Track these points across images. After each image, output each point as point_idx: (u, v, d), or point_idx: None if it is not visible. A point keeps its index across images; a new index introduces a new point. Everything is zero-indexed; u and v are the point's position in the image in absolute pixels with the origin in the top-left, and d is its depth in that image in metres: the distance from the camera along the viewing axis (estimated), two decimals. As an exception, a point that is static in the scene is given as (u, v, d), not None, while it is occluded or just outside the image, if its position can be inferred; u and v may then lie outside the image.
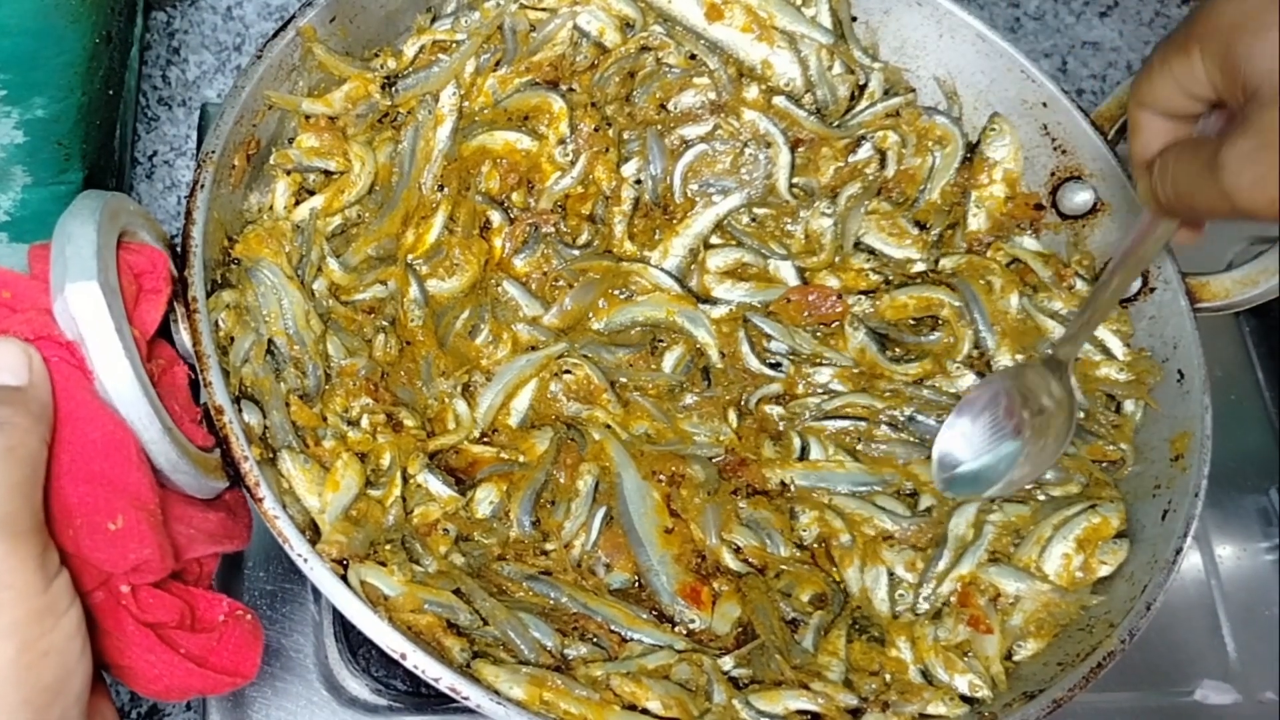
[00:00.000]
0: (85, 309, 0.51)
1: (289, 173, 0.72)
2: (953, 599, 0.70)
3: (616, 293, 0.82)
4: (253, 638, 0.57)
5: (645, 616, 0.67)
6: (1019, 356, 0.80)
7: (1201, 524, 0.92)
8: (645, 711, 0.60)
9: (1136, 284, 0.79)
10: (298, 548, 0.58)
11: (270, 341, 0.66)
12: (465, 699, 0.56)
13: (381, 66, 0.77)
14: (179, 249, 0.62)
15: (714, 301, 0.82)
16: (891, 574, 0.73)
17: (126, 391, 0.52)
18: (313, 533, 0.61)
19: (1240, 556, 0.94)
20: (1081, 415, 0.77)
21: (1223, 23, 0.60)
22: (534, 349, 0.77)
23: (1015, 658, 0.69)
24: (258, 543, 0.77)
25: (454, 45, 0.79)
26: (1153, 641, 0.91)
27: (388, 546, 0.64)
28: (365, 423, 0.68)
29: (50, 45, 0.65)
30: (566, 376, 0.78)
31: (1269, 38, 0.57)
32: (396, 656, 0.56)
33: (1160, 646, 0.92)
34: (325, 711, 0.75)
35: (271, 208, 0.72)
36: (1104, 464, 0.76)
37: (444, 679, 0.56)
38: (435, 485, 0.68)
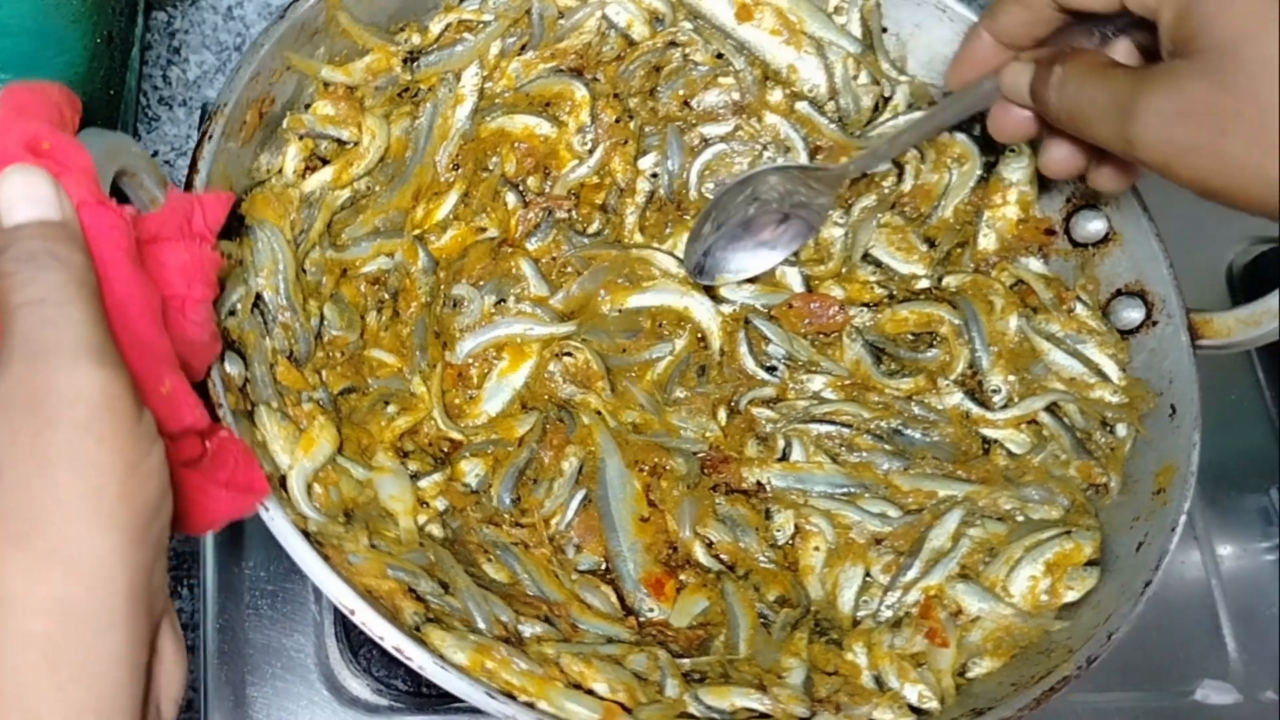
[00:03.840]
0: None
1: (301, 138, 0.73)
2: (914, 609, 0.70)
3: (622, 281, 0.82)
4: (247, 452, 0.56)
5: (603, 610, 0.68)
6: (1011, 378, 0.79)
7: (1202, 524, 0.91)
8: (590, 692, 0.60)
9: (1140, 314, 0.78)
10: (262, 498, 0.58)
11: (259, 298, 0.66)
12: (409, 660, 0.56)
13: (406, 41, 0.77)
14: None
15: (720, 300, 0.83)
16: (868, 574, 0.72)
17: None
18: (280, 488, 0.62)
19: (1241, 556, 0.94)
20: (1081, 435, 0.77)
21: None
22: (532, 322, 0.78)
23: (969, 674, 0.68)
24: (259, 543, 0.79)
25: (480, 25, 0.79)
26: (1153, 641, 0.90)
27: (359, 521, 0.64)
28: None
29: (51, 45, 0.65)
30: (566, 359, 0.78)
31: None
32: (345, 612, 0.56)
33: (1160, 646, 0.91)
34: (326, 711, 0.76)
35: (281, 170, 0.72)
36: (1088, 489, 0.75)
37: (389, 638, 0.56)
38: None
